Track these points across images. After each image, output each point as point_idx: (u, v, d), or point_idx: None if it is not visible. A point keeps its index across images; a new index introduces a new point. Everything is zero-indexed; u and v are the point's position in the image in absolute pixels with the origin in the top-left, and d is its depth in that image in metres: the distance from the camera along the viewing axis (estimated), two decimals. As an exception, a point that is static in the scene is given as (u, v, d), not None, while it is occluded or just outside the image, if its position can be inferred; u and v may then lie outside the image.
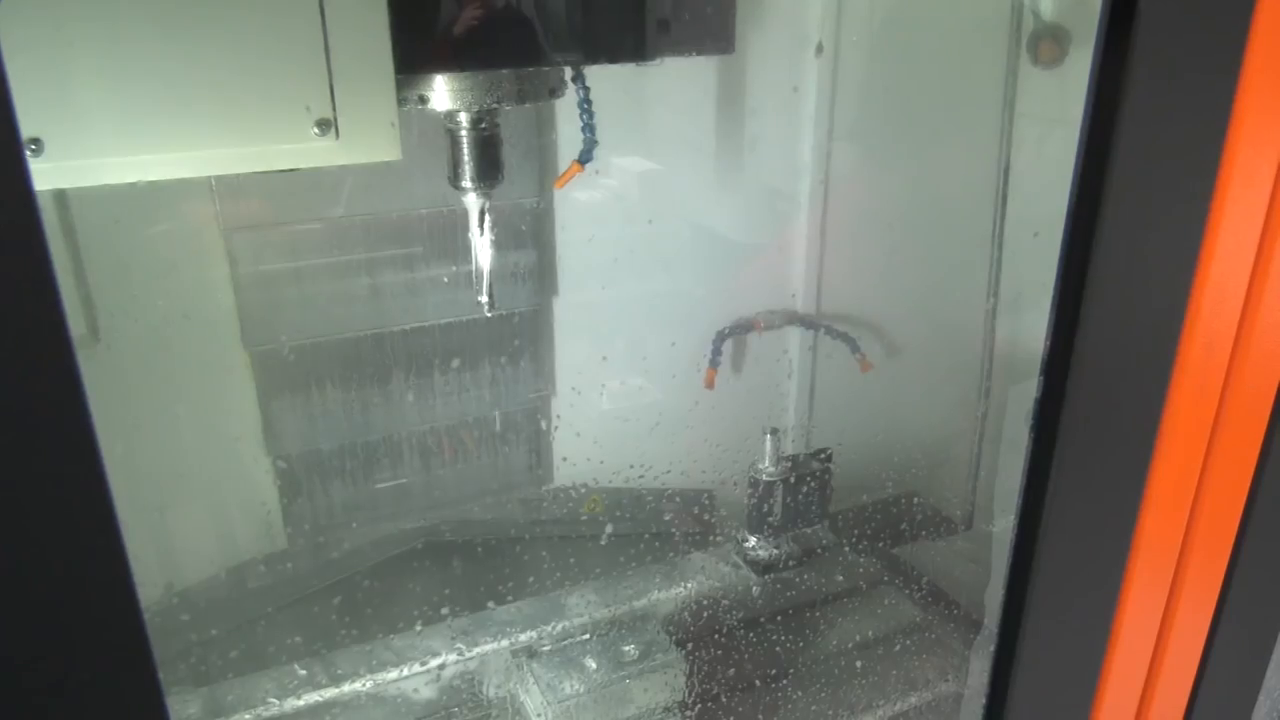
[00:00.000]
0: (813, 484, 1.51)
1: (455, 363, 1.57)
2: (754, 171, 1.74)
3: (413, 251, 1.49)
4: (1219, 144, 0.77)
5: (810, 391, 1.85)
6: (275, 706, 1.23)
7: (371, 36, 0.84)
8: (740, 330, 1.76)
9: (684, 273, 1.74)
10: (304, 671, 1.27)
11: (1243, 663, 1.09)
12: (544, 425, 1.70)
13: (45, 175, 0.78)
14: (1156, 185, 0.76)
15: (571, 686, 1.07)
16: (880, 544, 1.56)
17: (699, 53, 1.18)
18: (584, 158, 1.35)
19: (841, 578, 1.47)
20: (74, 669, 0.50)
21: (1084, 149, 0.76)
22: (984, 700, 1.00)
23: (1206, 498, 0.93)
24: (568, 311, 1.64)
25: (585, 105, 1.29)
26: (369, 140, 0.86)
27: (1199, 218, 0.79)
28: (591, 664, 1.10)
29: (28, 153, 0.75)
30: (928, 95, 1.59)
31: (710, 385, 1.71)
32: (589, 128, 1.32)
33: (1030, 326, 1.50)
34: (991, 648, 0.97)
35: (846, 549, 1.54)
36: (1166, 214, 0.78)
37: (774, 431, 1.50)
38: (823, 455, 1.57)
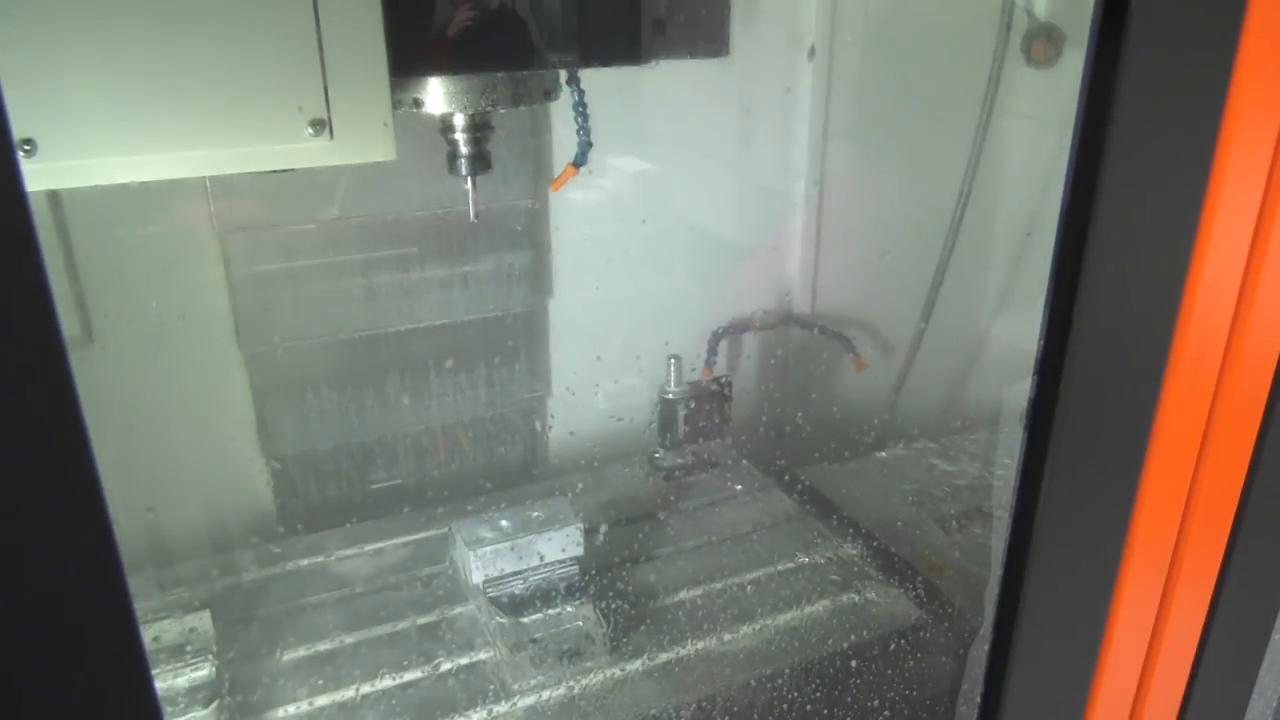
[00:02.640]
0: (711, 405, 1.67)
1: (449, 363, 1.57)
2: (748, 172, 1.75)
3: (407, 253, 1.49)
4: (1212, 142, 0.77)
5: (804, 390, 1.85)
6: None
7: (366, 36, 0.84)
8: (735, 330, 1.76)
9: (679, 273, 1.74)
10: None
11: (1237, 661, 1.10)
12: (539, 425, 1.70)
13: (38, 176, 0.78)
14: (1150, 184, 0.77)
15: (488, 536, 1.31)
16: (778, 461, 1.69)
17: (693, 55, 1.18)
18: (579, 160, 1.36)
19: (732, 481, 1.65)
20: (65, 670, 0.50)
21: (1078, 148, 0.76)
22: (980, 696, 1.00)
23: (1200, 496, 0.93)
24: (563, 312, 1.64)
25: (580, 108, 1.30)
26: (363, 141, 0.86)
27: (1192, 216, 0.79)
28: (505, 524, 1.34)
29: (21, 154, 0.75)
30: (921, 96, 1.59)
31: (705, 385, 1.71)
32: (584, 130, 1.32)
33: (1024, 326, 1.50)
34: (987, 646, 0.97)
35: (744, 461, 1.70)
36: (1160, 212, 0.78)
37: (676, 358, 1.64)
38: (721, 380, 1.69)
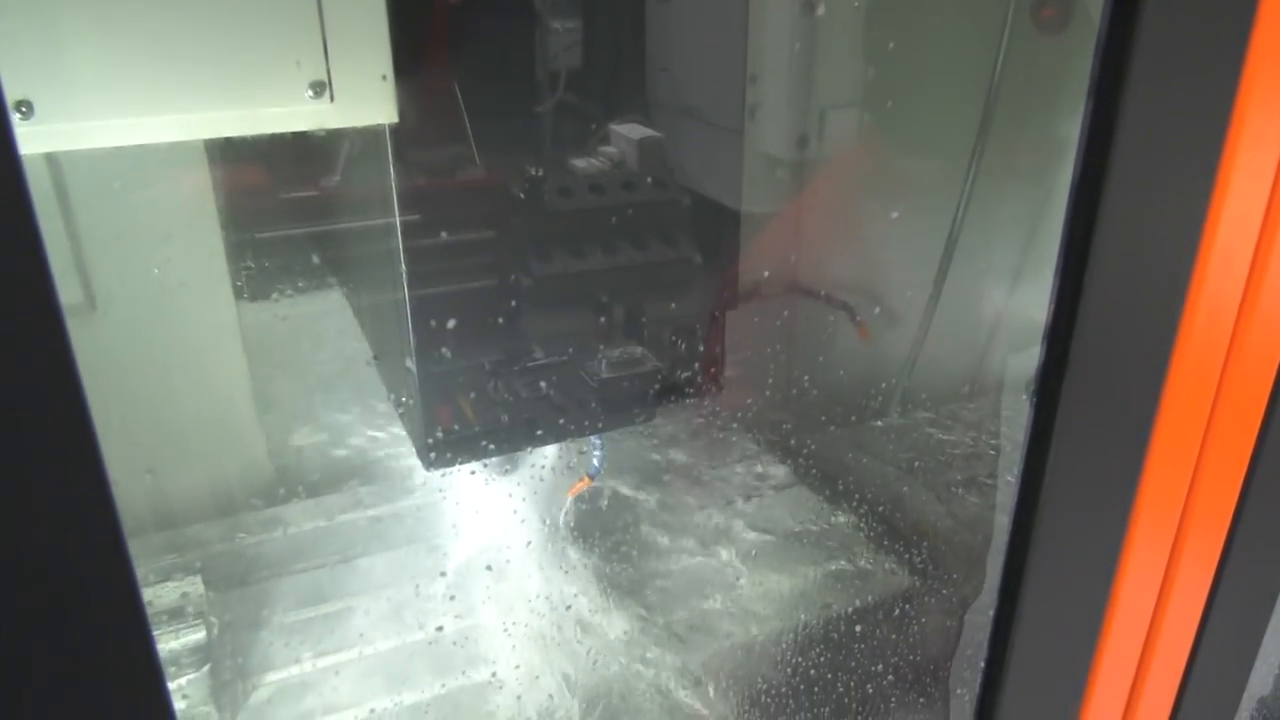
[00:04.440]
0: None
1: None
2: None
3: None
4: (1227, 111, 0.76)
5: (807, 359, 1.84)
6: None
7: (366, -3, 0.83)
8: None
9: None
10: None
11: (1240, 631, 1.10)
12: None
13: (35, 138, 0.77)
14: (1162, 154, 0.75)
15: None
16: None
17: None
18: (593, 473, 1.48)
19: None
20: (67, 635, 0.50)
21: (1089, 115, 0.75)
22: (983, 662, 1.00)
23: (1207, 467, 0.93)
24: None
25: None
26: (364, 103, 0.85)
27: (1204, 187, 0.78)
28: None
29: (17, 115, 0.74)
30: (929, 60, 1.57)
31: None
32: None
33: (1033, 295, 1.49)
34: (991, 612, 0.97)
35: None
36: (1172, 183, 0.77)
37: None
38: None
